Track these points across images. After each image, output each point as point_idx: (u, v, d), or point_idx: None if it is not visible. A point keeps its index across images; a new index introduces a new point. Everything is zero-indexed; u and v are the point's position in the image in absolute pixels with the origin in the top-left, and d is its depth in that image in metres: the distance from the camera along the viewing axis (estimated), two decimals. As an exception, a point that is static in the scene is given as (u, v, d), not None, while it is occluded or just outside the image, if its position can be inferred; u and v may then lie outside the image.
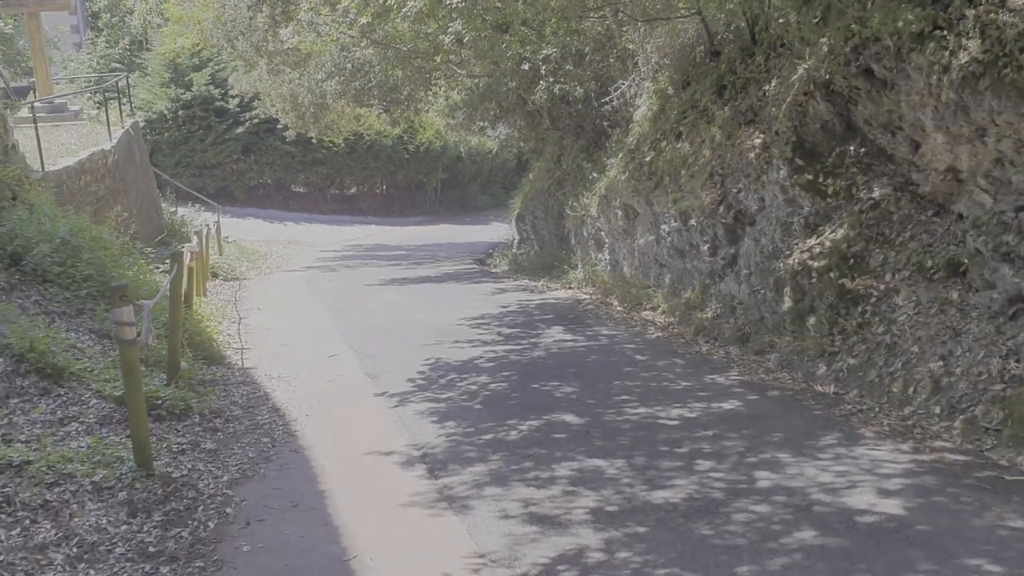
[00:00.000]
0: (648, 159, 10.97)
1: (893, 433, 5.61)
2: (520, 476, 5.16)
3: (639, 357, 8.02)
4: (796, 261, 7.97)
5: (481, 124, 24.38)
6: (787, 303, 7.98)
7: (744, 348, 8.26)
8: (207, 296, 12.91)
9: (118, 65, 30.82)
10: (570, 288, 13.23)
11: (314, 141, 27.53)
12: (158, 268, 11.21)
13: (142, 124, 29.12)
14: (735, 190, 9.17)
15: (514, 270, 17.11)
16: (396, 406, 6.86)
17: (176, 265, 6.88)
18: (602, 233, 12.87)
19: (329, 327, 10.60)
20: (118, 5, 32.35)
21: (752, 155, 8.94)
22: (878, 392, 6.42)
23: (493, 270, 18.26)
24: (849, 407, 6.15)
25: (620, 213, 11.76)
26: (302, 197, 32.95)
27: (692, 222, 9.80)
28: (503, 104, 20.74)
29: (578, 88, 13.89)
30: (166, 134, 29.24)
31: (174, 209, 22.11)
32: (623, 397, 6.69)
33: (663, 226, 10.53)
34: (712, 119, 9.88)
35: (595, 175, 13.97)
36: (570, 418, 6.21)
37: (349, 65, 18.68)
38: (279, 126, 24.22)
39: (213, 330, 9.03)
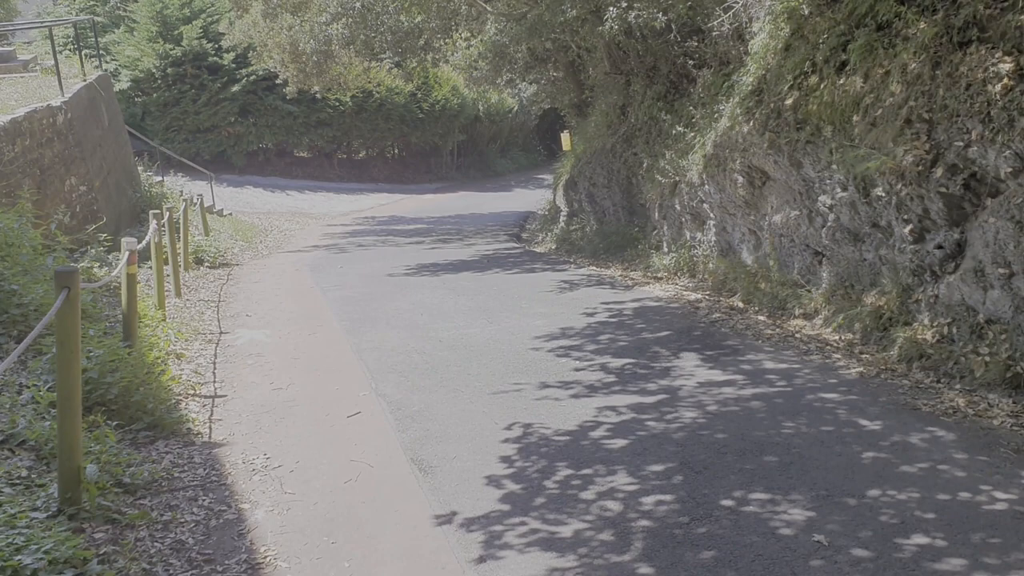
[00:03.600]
0: (789, 102, 7.72)
1: None
2: None
3: (866, 424, 4.80)
4: (1121, 259, 4.79)
5: (509, 76, 21.33)
6: (1112, 330, 4.80)
7: (1021, 398, 5.09)
8: (181, 297, 9.78)
9: (102, 21, 27.41)
10: (659, 279, 10.01)
11: (319, 98, 24.28)
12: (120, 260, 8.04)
13: (127, 84, 25.83)
14: (960, 143, 5.95)
15: (566, 251, 13.90)
16: (482, 559, 3.55)
17: (65, 291, 3.71)
18: (705, 206, 9.64)
19: (344, 352, 7.33)
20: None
21: (994, 89, 5.70)
22: None
23: (537, 249, 15.03)
24: None
25: (740, 179, 8.53)
26: (306, 163, 29.86)
27: (878, 191, 6.58)
28: (537, 52, 17.68)
29: (659, 16, 10.56)
30: (155, 95, 26.09)
31: (160, 179, 19.02)
32: (918, 539, 3.44)
33: (822, 196, 7.32)
34: (904, 40, 6.63)
35: (679, 129, 10.79)
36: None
37: (358, 4, 15.60)
38: (279, 82, 20.96)
39: (165, 374, 5.85)
